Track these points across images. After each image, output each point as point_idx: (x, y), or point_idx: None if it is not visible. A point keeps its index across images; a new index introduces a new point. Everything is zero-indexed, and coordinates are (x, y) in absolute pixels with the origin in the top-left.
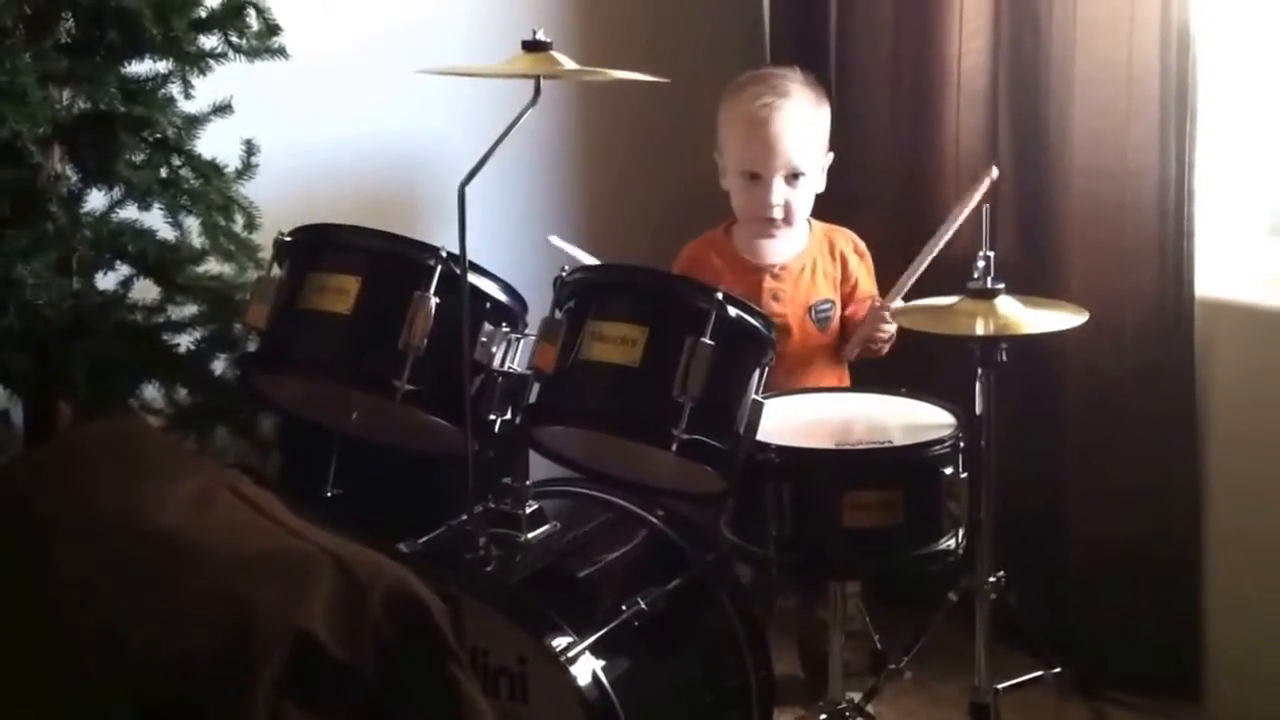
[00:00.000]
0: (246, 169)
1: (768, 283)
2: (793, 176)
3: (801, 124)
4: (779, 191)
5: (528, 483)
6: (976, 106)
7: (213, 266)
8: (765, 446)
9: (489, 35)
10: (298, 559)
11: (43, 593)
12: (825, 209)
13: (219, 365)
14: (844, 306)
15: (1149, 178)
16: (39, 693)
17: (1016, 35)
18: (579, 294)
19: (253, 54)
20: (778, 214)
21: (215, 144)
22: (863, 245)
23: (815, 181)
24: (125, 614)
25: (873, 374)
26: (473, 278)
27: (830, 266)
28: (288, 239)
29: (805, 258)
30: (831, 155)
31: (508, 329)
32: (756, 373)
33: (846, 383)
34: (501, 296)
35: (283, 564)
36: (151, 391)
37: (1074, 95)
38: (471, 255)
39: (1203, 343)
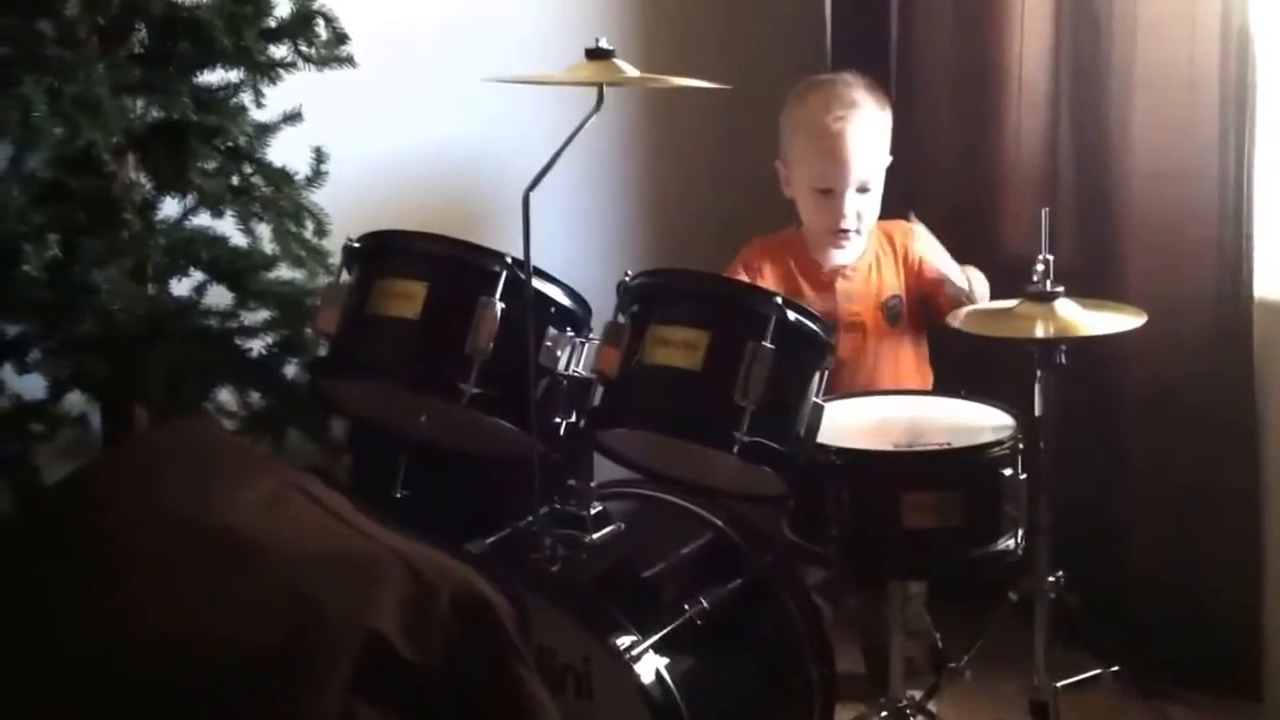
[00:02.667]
0: (316, 176)
1: (840, 284)
2: (863, 188)
3: (871, 135)
4: (852, 203)
5: (592, 484)
6: (1037, 109)
7: (284, 272)
8: (826, 448)
9: (553, 43)
10: (367, 560)
11: (118, 590)
12: (885, 212)
13: (290, 369)
14: (911, 292)
15: (1209, 180)
16: (112, 684)
17: (1077, 37)
18: (642, 299)
19: (322, 63)
20: (851, 224)
21: (286, 152)
22: (919, 228)
23: (881, 186)
24: (197, 610)
25: (934, 376)
26: (537, 283)
27: (893, 261)
28: (356, 245)
29: (870, 256)
30: (890, 158)
31: (572, 333)
32: (816, 375)
33: (928, 374)
34: (566, 301)
35: (353, 564)
36: (225, 395)
37: (1134, 97)
38: (536, 261)
39: (1262, 345)
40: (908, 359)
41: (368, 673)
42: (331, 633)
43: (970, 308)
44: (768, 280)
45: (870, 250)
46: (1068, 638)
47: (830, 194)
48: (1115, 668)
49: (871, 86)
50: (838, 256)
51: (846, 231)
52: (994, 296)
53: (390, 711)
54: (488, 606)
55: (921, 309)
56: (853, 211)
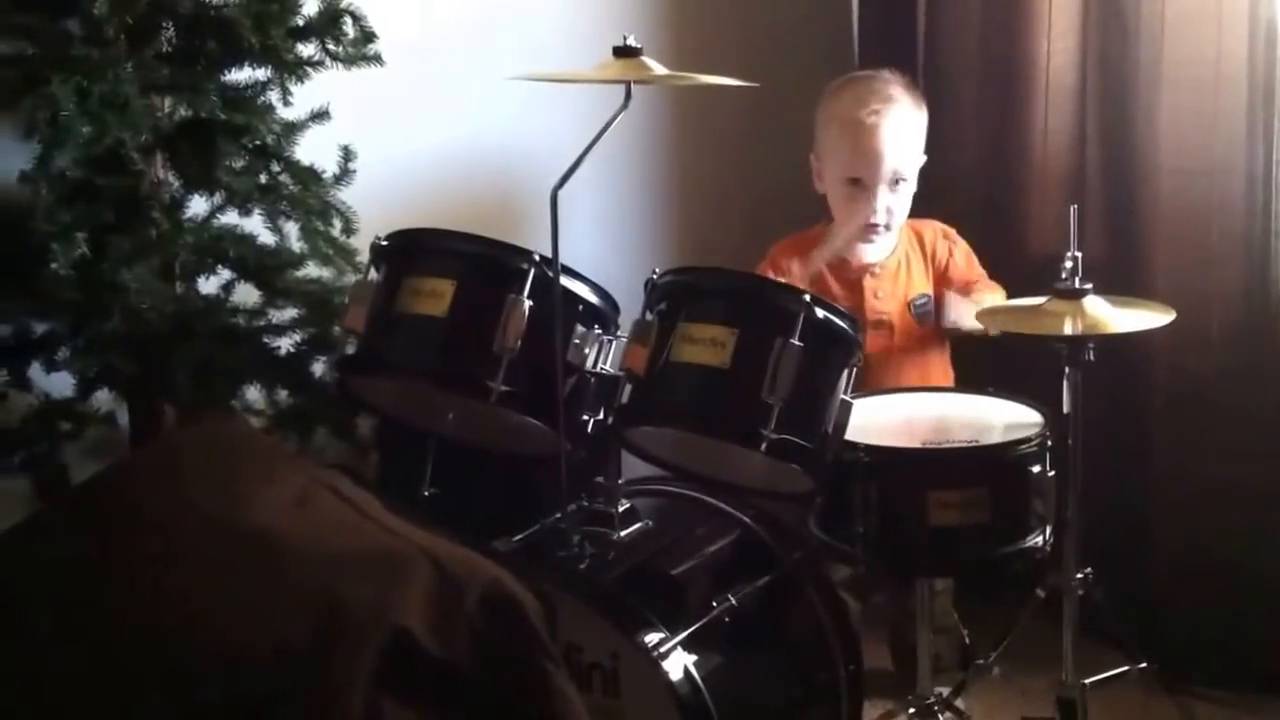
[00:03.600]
0: (344, 174)
1: (868, 282)
2: (895, 182)
3: (906, 130)
4: (883, 198)
5: (620, 482)
6: (1065, 105)
7: (312, 271)
8: (854, 446)
9: (580, 41)
10: (396, 557)
11: (144, 588)
12: (913, 208)
13: (318, 368)
14: (939, 292)
15: (1236, 176)
16: (137, 683)
17: (1104, 34)
18: (669, 296)
19: (349, 61)
20: (881, 219)
21: (313, 150)
22: (950, 230)
23: (914, 185)
24: (224, 607)
25: (962, 373)
26: (565, 280)
27: (922, 260)
28: (384, 243)
29: (899, 254)
30: (924, 158)
31: (600, 331)
32: (844, 373)
33: (951, 373)
34: (593, 299)
35: (381, 562)
36: (253, 393)
37: (1162, 93)
38: (564, 258)
39: None
40: (934, 358)
41: (394, 670)
42: (357, 631)
43: (1000, 304)
44: (795, 278)
45: (900, 249)
46: (1096, 634)
47: (862, 186)
48: (1143, 664)
49: (909, 85)
50: (867, 253)
51: (876, 226)
52: (1022, 294)
53: (417, 708)
54: (516, 604)
55: None
56: (883, 206)
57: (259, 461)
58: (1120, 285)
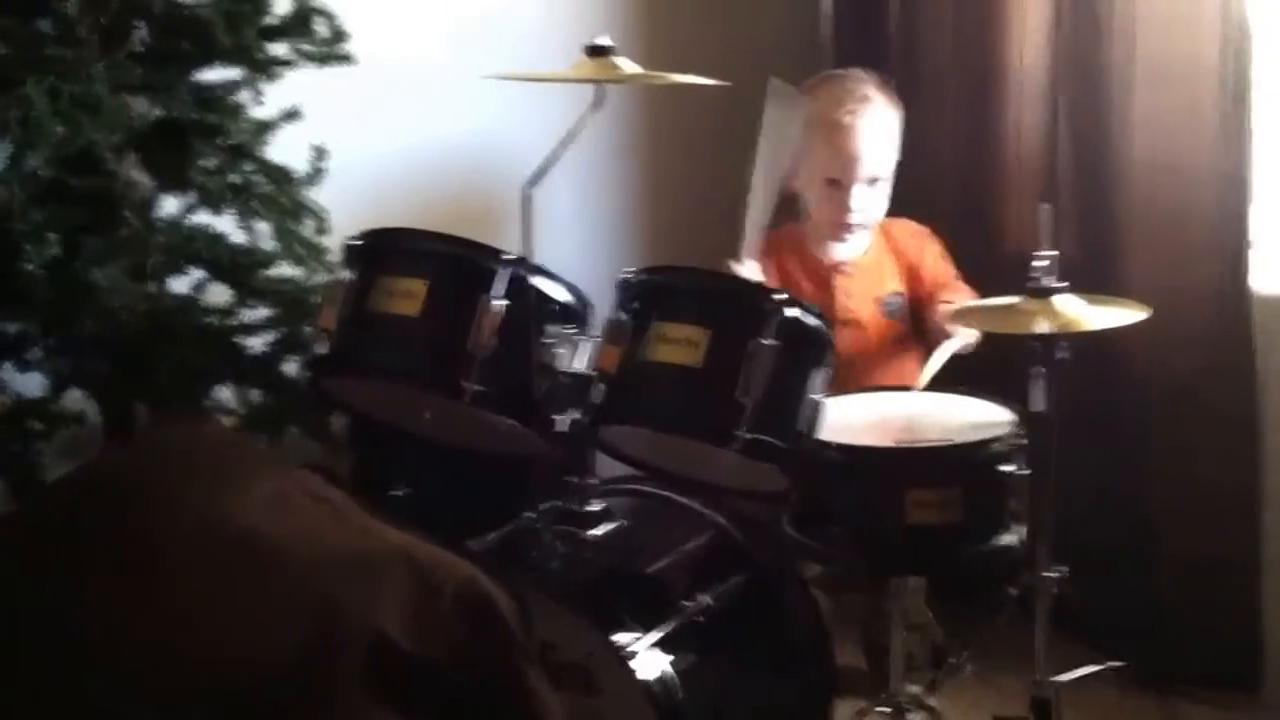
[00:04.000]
0: (316, 174)
1: (839, 280)
2: (872, 182)
3: (883, 130)
4: (860, 198)
5: (594, 481)
6: (1037, 104)
7: (284, 270)
8: (828, 445)
9: (553, 41)
10: (373, 559)
11: (120, 593)
12: (887, 207)
13: (290, 367)
14: (912, 292)
15: (1209, 174)
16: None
17: (1077, 33)
18: (643, 296)
19: (321, 60)
20: (858, 219)
21: (285, 150)
22: (923, 229)
23: (889, 184)
24: (204, 614)
25: (937, 373)
26: (538, 280)
27: (893, 259)
28: (357, 243)
29: (871, 253)
30: (899, 157)
31: (573, 330)
32: (818, 372)
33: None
34: (567, 298)
35: (358, 564)
36: (225, 393)
37: (1134, 92)
38: (537, 258)
39: (1262, 340)
40: (905, 357)
41: (374, 672)
42: (341, 633)
43: (971, 303)
44: (768, 275)
45: (872, 248)
46: (1069, 632)
47: (839, 186)
48: (1116, 663)
49: (883, 84)
50: (840, 251)
51: (851, 225)
52: (995, 293)
53: (397, 709)
54: (492, 604)
55: (920, 308)
56: (861, 205)
57: (233, 462)
58: (1092, 284)
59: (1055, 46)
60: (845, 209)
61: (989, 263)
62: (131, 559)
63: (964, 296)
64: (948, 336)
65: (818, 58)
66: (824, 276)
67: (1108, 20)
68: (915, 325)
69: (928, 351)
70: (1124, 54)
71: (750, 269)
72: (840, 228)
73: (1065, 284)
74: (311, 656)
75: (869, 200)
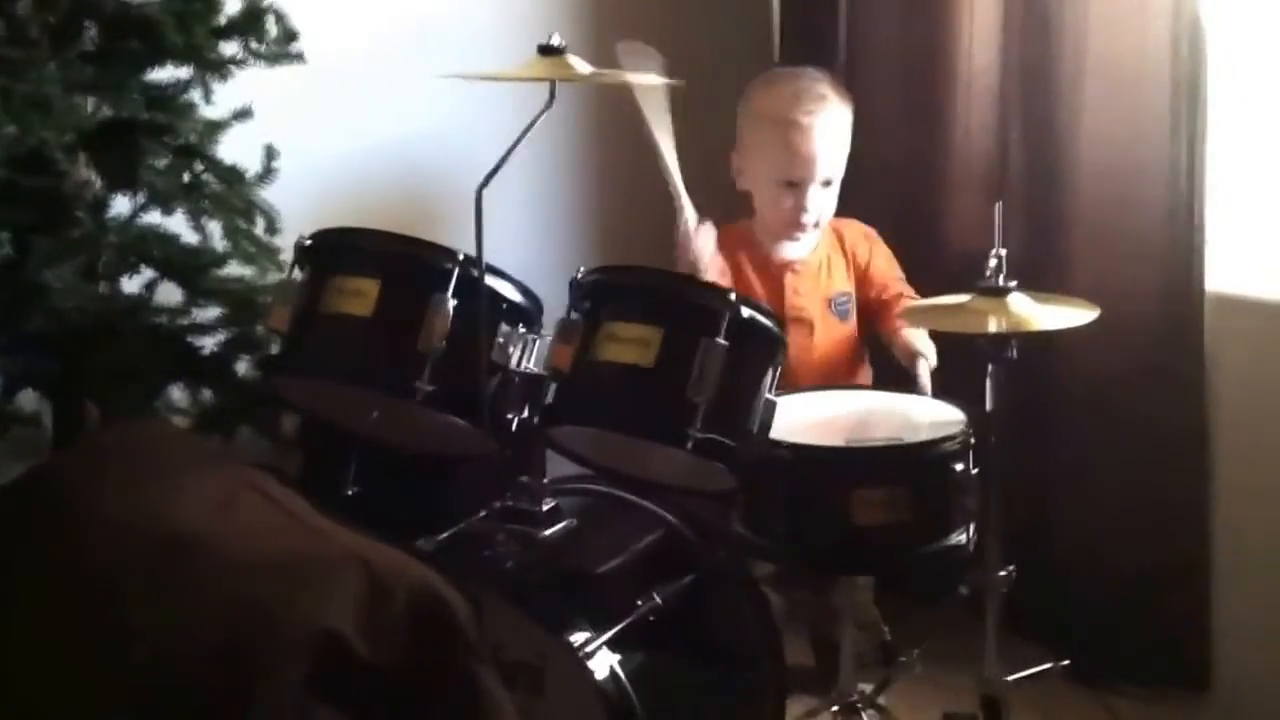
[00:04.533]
0: (267, 173)
1: (789, 279)
2: (826, 183)
3: (837, 130)
4: (815, 198)
5: (545, 481)
6: (986, 103)
7: (235, 270)
8: (777, 443)
9: (505, 40)
10: (324, 560)
11: (68, 594)
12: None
13: (242, 367)
14: (860, 293)
15: (1160, 173)
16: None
17: (1026, 30)
18: (594, 295)
19: (272, 60)
20: (812, 219)
21: (236, 149)
22: (871, 231)
23: (839, 184)
24: (150, 615)
25: (886, 372)
26: (490, 280)
27: (843, 259)
28: (308, 243)
29: (820, 253)
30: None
31: (524, 330)
32: (769, 372)
33: (869, 373)
34: (518, 298)
35: (309, 565)
36: (176, 393)
37: (1084, 90)
38: (489, 257)
39: (1213, 339)
40: (853, 356)
41: (324, 673)
42: (281, 635)
43: (920, 302)
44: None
45: (821, 247)
46: (1018, 632)
47: (794, 187)
48: (1065, 661)
49: (837, 83)
50: (790, 250)
51: (805, 225)
52: (942, 292)
53: (348, 711)
54: (444, 605)
55: (867, 310)
56: (816, 205)
57: (183, 462)
58: (1042, 282)
59: (1005, 44)
60: (801, 209)
61: (936, 261)
62: (61, 560)
63: (910, 303)
64: (910, 354)
65: (766, 56)
66: (774, 275)
67: (1058, 19)
68: (862, 325)
69: (874, 352)
70: (1075, 50)
71: (706, 235)
72: (794, 227)
73: (1014, 283)
74: (248, 657)
75: (822, 200)
